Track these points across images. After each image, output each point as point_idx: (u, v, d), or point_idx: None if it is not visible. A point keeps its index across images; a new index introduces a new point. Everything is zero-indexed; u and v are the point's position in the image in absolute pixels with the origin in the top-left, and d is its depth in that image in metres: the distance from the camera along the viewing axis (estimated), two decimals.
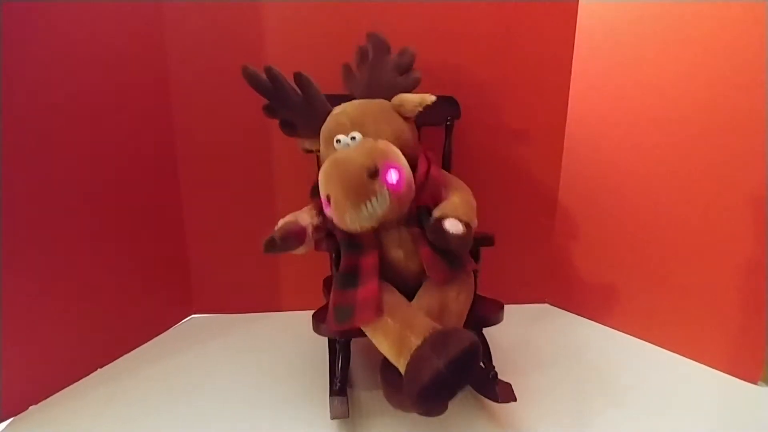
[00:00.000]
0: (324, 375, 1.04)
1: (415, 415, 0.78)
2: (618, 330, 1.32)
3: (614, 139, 1.28)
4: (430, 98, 0.85)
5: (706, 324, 1.12)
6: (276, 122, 0.96)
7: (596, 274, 1.38)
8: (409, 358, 0.67)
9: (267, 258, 1.43)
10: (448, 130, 1.17)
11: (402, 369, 0.69)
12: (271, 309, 1.46)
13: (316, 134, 0.89)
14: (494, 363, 0.95)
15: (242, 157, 1.35)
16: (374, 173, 0.73)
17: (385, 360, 0.75)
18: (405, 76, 0.95)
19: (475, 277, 0.93)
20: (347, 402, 0.85)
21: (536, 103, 1.39)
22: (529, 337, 1.27)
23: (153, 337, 1.28)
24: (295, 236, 0.79)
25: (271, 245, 0.76)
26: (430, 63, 1.31)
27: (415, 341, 0.68)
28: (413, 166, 0.82)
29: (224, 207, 1.38)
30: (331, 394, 0.88)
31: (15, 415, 0.92)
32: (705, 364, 1.12)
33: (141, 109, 1.21)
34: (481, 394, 0.93)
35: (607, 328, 1.35)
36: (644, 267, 1.25)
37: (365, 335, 0.78)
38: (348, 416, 0.84)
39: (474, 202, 0.87)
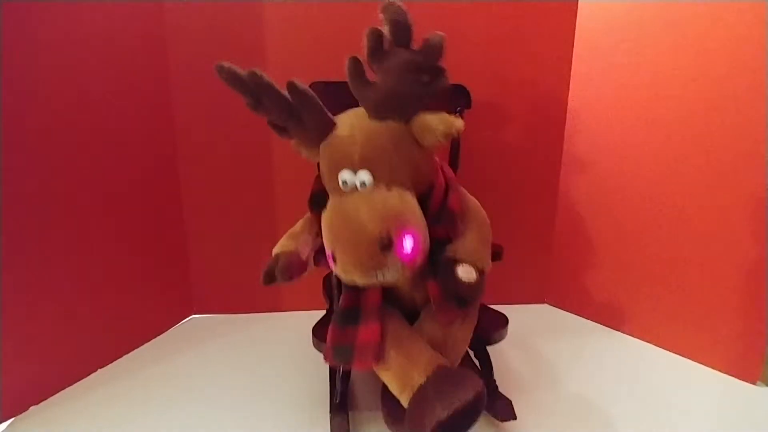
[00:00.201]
0: (324, 375, 1.04)
1: None
2: (617, 330, 1.32)
3: (614, 139, 1.28)
4: (458, 124, 0.68)
5: (706, 324, 1.12)
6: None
7: (596, 275, 1.38)
8: (411, 395, 0.66)
9: (267, 258, 1.42)
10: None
11: (404, 403, 0.67)
12: (271, 309, 1.46)
13: (314, 146, 0.75)
14: (493, 363, 0.95)
15: (242, 157, 1.35)
16: (387, 244, 0.63)
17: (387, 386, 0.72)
18: (429, 81, 0.69)
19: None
20: (347, 420, 0.85)
21: (536, 104, 1.39)
22: (529, 338, 1.27)
23: (153, 338, 1.28)
24: (296, 271, 0.74)
25: (271, 279, 0.72)
26: None
27: (418, 379, 0.66)
28: (428, 195, 0.73)
29: (224, 207, 1.38)
30: (331, 411, 0.87)
31: (16, 415, 0.92)
32: (704, 365, 1.12)
33: (141, 109, 1.21)
34: None
35: (606, 328, 1.35)
36: (644, 267, 1.25)
37: None
38: None
39: (490, 237, 0.80)
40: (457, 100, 1.12)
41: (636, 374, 1.08)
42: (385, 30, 0.69)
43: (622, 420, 0.90)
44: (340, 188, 0.69)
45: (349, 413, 0.89)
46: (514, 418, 0.87)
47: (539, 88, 1.37)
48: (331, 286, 0.85)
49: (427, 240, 0.69)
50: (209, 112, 1.32)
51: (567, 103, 1.39)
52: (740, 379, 1.05)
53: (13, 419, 0.91)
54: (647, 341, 1.25)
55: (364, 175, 0.68)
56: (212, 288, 1.43)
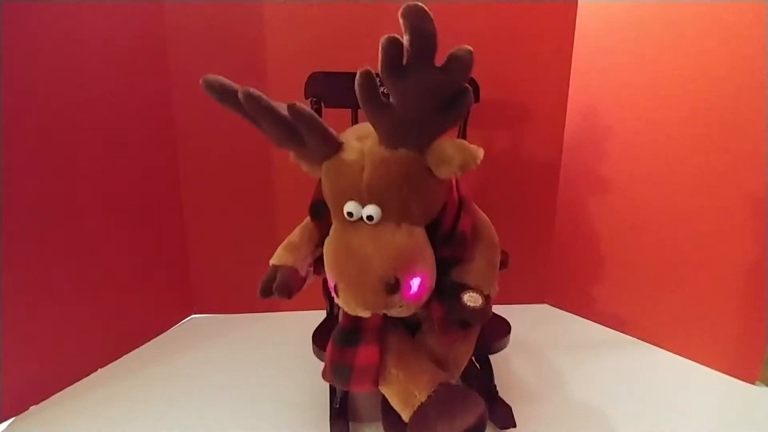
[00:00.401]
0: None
1: None
2: (617, 330, 1.32)
3: (614, 140, 1.28)
4: (479, 156, 0.61)
5: (705, 324, 1.12)
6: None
7: (596, 275, 1.38)
8: (412, 413, 0.65)
9: (267, 258, 1.42)
10: (465, 118, 1.08)
11: (405, 419, 0.67)
12: (271, 309, 1.46)
13: (316, 164, 0.70)
14: (492, 363, 0.95)
15: (243, 157, 1.35)
16: (394, 287, 0.60)
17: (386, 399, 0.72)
18: (453, 105, 0.60)
19: None
20: (347, 426, 0.85)
21: (536, 103, 1.39)
22: (528, 338, 1.27)
23: (153, 337, 1.28)
24: (296, 289, 0.72)
25: (268, 294, 0.71)
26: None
27: (420, 397, 0.65)
28: (440, 214, 0.69)
29: (225, 207, 1.38)
30: (331, 416, 0.87)
31: (16, 415, 0.92)
32: (703, 365, 1.12)
33: (141, 109, 1.21)
34: None
35: (606, 328, 1.35)
36: (644, 267, 1.25)
37: None
38: None
39: (498, 260, 0.77)
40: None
41: (636, 374, 1.08)
42: (405, 40, 0.55)
43: (621, 420, 0.90)
44: (344, 216, 0.65)
45: (350, 423, 0.88)
46: (514, 425, 0.87)
47: (539, 88, 1.37)
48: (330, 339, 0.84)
49: (435, 276, 0.67)
50: (209, 112, 1.32)
51: (567, 103, 1.38)
52: (739, 380, 1.05)
53: (13, 419, 0.91)
54: (647, 341, 1.25)
55: (372, 210, 0.62)
56: (212, 288, 1.43)
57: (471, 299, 0.67)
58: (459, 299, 0.67)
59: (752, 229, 1.02)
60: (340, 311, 0.72)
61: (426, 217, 0.67)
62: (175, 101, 1.30)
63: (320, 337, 0.79)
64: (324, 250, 0.67)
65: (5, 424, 0.90)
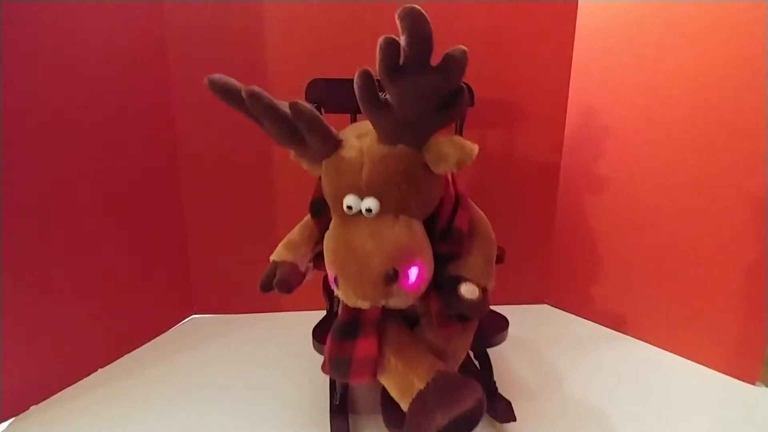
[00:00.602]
0: (324, 375, 1.04)
1: None
2: (617, 331, 1.32)
3: (614, 139, 1.28)
4: (475, 152, 0.63)
5: (705, 325, 1.12)
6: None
7: (596, 275, 1.38)
8: (411, 401, 0.66)
9: (268, 258, 1.42)
10: (460, 120, 1.08)
11: (404, 408, 0.67)
12: (271, 309, 1.46)
13: (316, 162, 0.71)
14: (493, 364, 0.95)
15: (243, 157, 1.35)
16: (393, 278, 0.62)
17: (386, 390, 0.72)
18: (449, 105, 0.62)
19: None
20: (347, 421, 0.85)
21: (536, 104, 1.39)
22: (528, 338, 1.27)
23: (154, 338, 1.28)
24: (295, 285, 0.74)
25: (268, 289, 0.73)
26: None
27: (418, 384, 0.66)
28: (436, 210, 0.71)
29: (225, 207, 1.38)
30: (331, 412, 0.88)
31: (16, 415, 0.92)
32: (703, 365, 1.12)
33: (141, 108, 1.21)
34: None
35: (606, 329, 1.35)
36: (643, 268, 1.25)
37: None
38: None
39: (494, 256, 0.78)
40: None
41: (635, 374, 1.08)
42: (402, 41, 0.56)
43: (621, 420, 0.90)
44: (343, 210, 0.66)
45: (349, 416, 0.89)
46: (514, 419, 0.87)
47: (539, 88, 1.37)
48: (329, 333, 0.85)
49: (432, 267, 0.68)
50: (209, 112, 1.32)
51: (567, 103, 1.39)
52: (739, 380, 1.05)
53: (13, 419, 0.91)
54: (647, 341, 1.25)
55: (371, 203, 0.64)
56: (212, 288, 1.44)
57: (468, 291, 0.68)
58: (456, 291, 0.68)
59: (752, 229, 1.02)
60: (340, 306, 0.73)
61: (423, 212, 0.69)
62: (175, 101, 1.30)
63: (320, 332, 0.80)
64: (324, 245, 0.68)
65: (5, 423, 0.90)
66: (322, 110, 0.94)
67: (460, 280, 0.69)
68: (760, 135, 0.99)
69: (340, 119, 0.93)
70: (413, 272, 0.64)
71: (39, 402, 0.96)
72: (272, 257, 0.77)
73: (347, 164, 0.66)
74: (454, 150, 0.62)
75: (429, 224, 0.69)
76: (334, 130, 0.67)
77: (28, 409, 0.94)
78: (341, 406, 0.87)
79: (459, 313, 0.69)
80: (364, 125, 0.69)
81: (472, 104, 1.09)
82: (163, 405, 0.96)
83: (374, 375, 0.69)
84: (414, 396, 0.65)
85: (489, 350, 0.98)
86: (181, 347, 1.22)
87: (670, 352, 1.19)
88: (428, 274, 0.67)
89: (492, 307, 0.92)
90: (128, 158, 1.17)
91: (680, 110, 1.13)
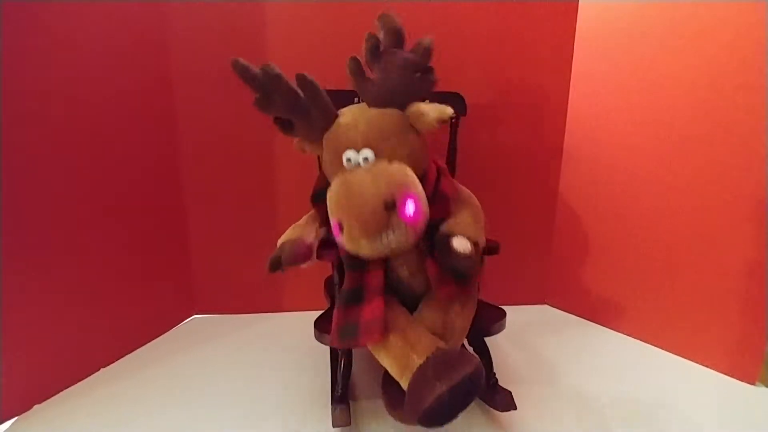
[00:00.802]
0: (326, 375, 1.05)
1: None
2: (616, 331, 1.33)
3: (614, 140, 1.28)
4: (449, 111, 0.76)
5: (705, 325, 1.12)
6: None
7: (595, 276, 1.38)
8: (411, 377, 0.67)
9: (268, 258, 1.43)
10: (454, 127, 1.15)
11: (404, 386, 0.69)
12: (272, 309, 1.47)
13: (317, 139, 0.81)
14: (493, 364, 0.95)
15: (245, 158, 1.36)
16: (391, 206, 0.68)
17: (387, 373, 0.75)
18: (420, 78, 0.79)
19: (478, 286, 0.92)
20: (348, 410, 0.86)
21: (536, 104, 1.39)
22: (528, 339, 1.27)
23: (155, 337, 1.29)
24: (301, 257, 0.77)
25: (276, 266, 0.75)
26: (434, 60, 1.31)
27: (418, 360, 0.68)
28: (422, 179, 0.77)
29: (226, 208, 1.39)
30: (332, 402, 0.88)
31: (19, 413, 0.93)
32: (703, 365, 1.12)
33: (143, 109, 1.21)
34: (482, 401, 0.94)
35: (605, 329, 1.35)
36: (643, 268, 1.25)
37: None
38: (349, 425, 0.84)
39: (483, 218, 0.83)
40: (452, 107, 1.13)
41: (635, 374, 1.08)
42: (381, 36, 0.80)
43: (621, 420, 0.90)
44: (344, 168, 0.75)
45: (350, 404, 0.90)
46: (515, 408, 0.87)
47: (539, 88, 1.37)
48: (333, 286, 0.86)
49: (427, 207, 0.74)
50: (211, 113, 1.33)
51: (567, 103, 1.39)
52: (739, 380, 1.05)
53: (17, 417, 0.92)
54: (647, 342, 1.25)
55: (367, 152, 0.75)
56: (214, 288, 1.44)
57: (460, 245, 0.71)
58: (449, 245, 0.71)
59: (752, 230, 1.02)
60: (345, 275, 0.78)
61: (412, 165, 0.76)
62: (177, 101, 1.30)
63: (322, 323, 0.83)
64: (327, 200, 0.74)
65: (9, 422, 0.91)
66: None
67: (451, 235, 0.73)
68: (760, 135, 0.99)
69: None
70: (410, 205, 0.70)
71: (42, 401, 0.97)
72: (279, 240, 0.81)
73: (344, 127, 0.78)
74: (431, 109, 0.75)
75: None
76: (331, 104, 0.79)
77: (31, 408, 0.95)
78: (342, 396, 0.88)
79: (453, 268, 0.72)
80: (356, 104, 0.83)
81: (464, 113, 1.14)
82: (165, 404, 0.96)
83: (382, 334, 0.72)
84: (414, 371, 0.67)
85: (490, 356, 0.98)
86: (183, 347, 1.23)
87: (670, 352, 1.19)
88: (424, 209, 0.73)
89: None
90: (129, 158, 1.18)
91: (680, 110, 1.13)
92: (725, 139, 1.05)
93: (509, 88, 1.37)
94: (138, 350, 1.22)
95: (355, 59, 0.79)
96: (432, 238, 0.75)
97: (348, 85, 0.90)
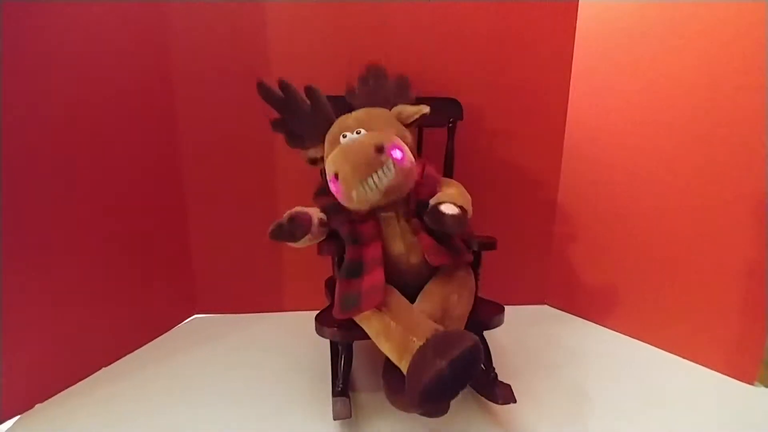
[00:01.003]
0: (326, 374, 1.05)
1: (415, 417, 0.79)
2: (616, 331, 1.33)
3: (614, 140, 1.28)
4: (425, 109, 0.93)
5: (705, 325, 1.12)
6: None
7: (595, 276, 1.38)
8: (411, 359, 0.69)
9: (270, 258, 1.44)
10: (451, 131, 1.18)
11: (404, 370, 0.70)
12: (273, 309, 1.48)
13: (322, 142, 0.95)
14: (494, 364, 0.95)
15: (245, 158, 1.36)
16: (381, 149, 0.79)
17: (388, 362, 0.76)
18: (403, 95, 1.04)
19: (476, 279, 0.93)
20: (349, 403, 0.86)
21: (536, 104, 1.39)
22: (529, 339, 1.27)
23: (156, 337, 1.29)
24: (302, 222, 0.81)
25: (279, 229, 0.78)
26: (431, 63, 1.32)
27: (417, 342, 0.70)
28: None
29: (227, 207, 1.39)
30: (333, 395, 0.89)
31: (22, 412, 0.93)
32: (702, 365, 1.12)
33: (144, 109, 1.22)
34: (482, 396, 0.94)
35: (605, 329, 1.35)
36: (643, 269, 1.25)
37: (367, 338, 0.79)
38: (350, 417, 0.85)
39: (468, 195, 0.90)
40: (450, 112, 1.17)
41: (635, 374, 1.08)
42: (364, 73, 1.08)
43: (620, 420, 0.90)
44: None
45: (351, 399, 0.90)
46: (514, 401, 0.87)
47: (539, 88, 1.38)
48: (334, 286, 0.87)
49: (413, 159, 0.86)
50: (212, 113, 1.33)
51: (567, 104, 1.39)
52: (737, 380, 1.06)
53: (19, 416, 0.93)
54: (646, 342, 1.25)
55: (361, 130, 0.88)
56: (215, 288, 1.45)
57: (448, 209, 0.79)
58: (438, 209, 0.80)
59: (752, 230, 1.02)
60: (346, 249, 0.85)
61: None
62: (178, 101, 1.31)
63: (322, 317, 0.85)
64: (326, 168, 0.87)
65: (11, 421, 0.91)
66: None
67: (440, 204, 0.81)
68: (760, 136, 0.99)
69: None
70: (397, 151, 0.82)
71: (44, 400, 0.97)
72: (285, 215, 0.85)
73: (342, 120, 0.94)
74: (411, 107, 0.95)
75: None
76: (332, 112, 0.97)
77: (33, 407, 0.95)
78: (343, 391, 0.89)
79: (442, 228, 0.79)
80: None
81: (461, 117, 1.19)
82: (166, 403, 0.97)
83: (383, 298, 0.77)
84: (414, 353, 0.69)
85: (489, 351, 0.99)
86: (184, 346, 1.24)
87: (670, 352, 1.19)
88: (410, 158, 0.85)
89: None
90: (130, 158, 1.19)
91: (680, 111, 1.13)
92: (725, 139, 1.05)
93: (509, 88, 1.37)
94: (139, 350, 1.22)
95: (350, 85, 1.07)
96: (423, 212, 0.84)
97: (345, 86, 1.07)
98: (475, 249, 0.94)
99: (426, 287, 0.85)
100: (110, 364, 1.14)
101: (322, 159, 0.95)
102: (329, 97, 0.98)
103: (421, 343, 0.69)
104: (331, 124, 0.94)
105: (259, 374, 1.09)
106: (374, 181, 0.79)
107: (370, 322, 0.77)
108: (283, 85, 0.93)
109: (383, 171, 0.79)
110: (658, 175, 1.19)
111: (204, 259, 1.42)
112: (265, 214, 1.41)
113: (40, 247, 0.96)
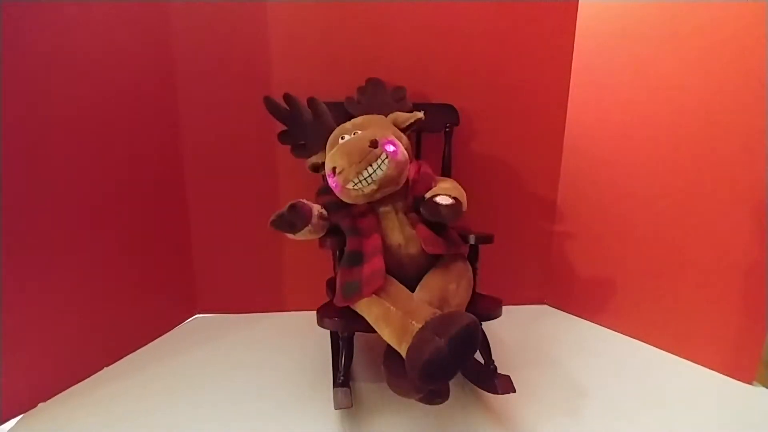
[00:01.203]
0: (327, 373, 1.06)
1: (415, 407, 0.79)
2: (616, 331, 1.33)
3: (614, 140, 1.28)
4: (420, 114, 1.00)
5: (703, 325, 1.12)
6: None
7: (594, 276, 1.38)
8: (410, 341, 0.70)
9: (271, 258, 1.44)
10: (448, 136, 1.20)
11: (404, 353, 0.72)
12: (274, 309, 1.48)
13: (323, 149, 1.01)
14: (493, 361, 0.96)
15: (246, 158, 1.37)
16: (375, 143, 0.85)
17: (388, 350, 0.78)
18: (400, 103, 1.16)
19: (474, 274, 0.94)
20: (350, 393, 0.87)
21: (536, 104, 1.39)
22: (528, 338, 1.28)
23: (158, 337, 1.30)
24: (302, 211, 0.84)
25: (280, 219, 0.81)
26: (431, 63, 1.32)
27: (417, 325, 0.71)
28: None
29: (228, 207, 1.40)
30: (334, 386, 0.90)
31: (24, 412, 0.94)
32: (701, 365, 1.13)
33: (146, 109, 1.22)
34: (481, 388, 0.95)
35: (605, 328, 1.35)
36: (642, 268, 1.25)
37: (368, 329, 0.80)
38: (351, 407, 0.86)
39: (462, 189, 0.94)
40: (446, 117, 1.19)
41: (634, 374, 1.09)
42: (368, 86, 1.22)
43: (619, 419, 0.91)
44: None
45: (352, 390, 0.91)
46: (513, 390, 0.88)
47: (539, 88, 1.38)
48: (335, 287, 0.88)
49: (407, 154, 0.91)
50: (214, 113, 1.33)
51: (567, 104, 1.39)
52: (736, 379, 1.06)
53: (22, 415, 0.93)
54: (645, 341, 1.25)
55: (359, 132, 0.94)
56: (216, 288, 1.45)
57: (443, 199, 0.85)
58: (432, 200, 0.85)
59: (752, 230, 1.02)
60: (347, 243, 0.88)
61: None
62: (180, 101, 1.31)
63: (323, 310, 0.87)
64: (325, 165, 0.92)
65: (15, 420, 0.92)
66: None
67: (435, 195, 0.86)
68: (760, 135, 0.99)
69: None
70: (391, 146, 0.87)
71: (46, 399, 0.98)
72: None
73: (341, 126, 1.00)
74: (406, 113, 1.01)
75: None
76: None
77: (36, 406, 0.96)
78: (344, 382, 0.89)
79: (437, 217, 0.84)
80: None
81: (457, 123, 1.23)
82: (167, 403, 0.97)
83: (384, 280, 0.80)
84: (414, 334, 0.70)
85: (489, 344, 0.98)
86: (185, 346, 1.24)
87: (669, 352, 1.20)
88: (404, 153, 0.90)
89: None
90: (131, 158, 1.19)
91: (681, 111, 1.13)
92: (725, 139, 1.05)
93: (509, 88, 1.37)
94: (140, 349, 1.23)
95: (348, 99, 1.18)
96: (420, 205, 0.89)
97: (345, 87, 1.15)
98: (473, 243, 0.96)
99: (425, 278, 0.87)
100: (112, 363, 1.15)
101: (323, 165, 0.98)
102: (329, 105, 1.05)
103: (420, 326, 0.71)
104: (332, 131, 1.00)
105: (260, 374, 1.09)
106: (369, 173, 0.84)
107: (370, 309, 0.79)
108: (288, 98, 1.01)
109: (378, 163, 0.84)
110: (657, 174, 1.19)
111: (205, 259, 1.42)
112: (266, 214, 1.40)
113: (40, 247, 0.97)
